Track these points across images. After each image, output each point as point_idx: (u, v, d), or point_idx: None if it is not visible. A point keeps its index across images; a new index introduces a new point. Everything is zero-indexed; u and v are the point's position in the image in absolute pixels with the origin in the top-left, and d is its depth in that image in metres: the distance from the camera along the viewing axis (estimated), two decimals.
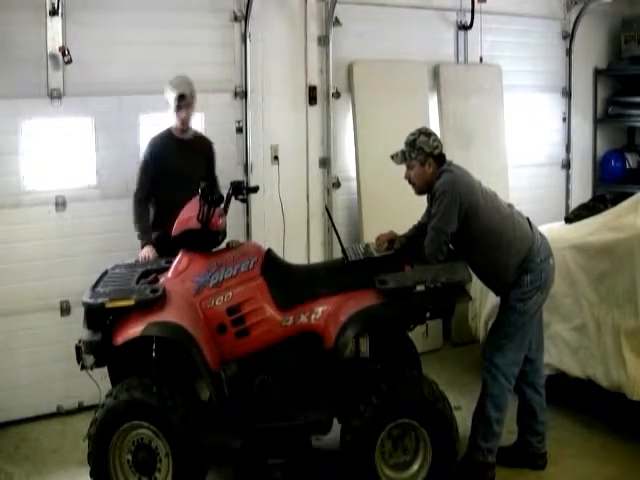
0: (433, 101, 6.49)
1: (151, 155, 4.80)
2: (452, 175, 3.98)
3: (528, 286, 4.04)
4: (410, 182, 4.12)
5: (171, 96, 4.69)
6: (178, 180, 4.60)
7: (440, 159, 4.06)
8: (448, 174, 3.99)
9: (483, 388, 4.18)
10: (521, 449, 4.36)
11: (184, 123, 4.78)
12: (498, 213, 4.07)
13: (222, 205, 4.07)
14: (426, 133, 4.08)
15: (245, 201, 4.57)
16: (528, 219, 4.23)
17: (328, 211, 4.01)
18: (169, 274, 4.04)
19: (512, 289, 4.08)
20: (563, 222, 5.45)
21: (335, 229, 4.18)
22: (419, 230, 4.25)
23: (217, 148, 5.56)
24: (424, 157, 4.02)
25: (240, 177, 5.50)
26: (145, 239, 4.72)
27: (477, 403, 4.21)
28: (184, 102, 4.70)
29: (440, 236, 3.92)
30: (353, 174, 6.08)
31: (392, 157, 4.11)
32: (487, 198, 4.07)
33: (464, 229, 3.97)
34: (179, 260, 4.05)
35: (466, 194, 3.95)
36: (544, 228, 5.35)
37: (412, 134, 4.08)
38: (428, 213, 4.18)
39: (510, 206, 4.21)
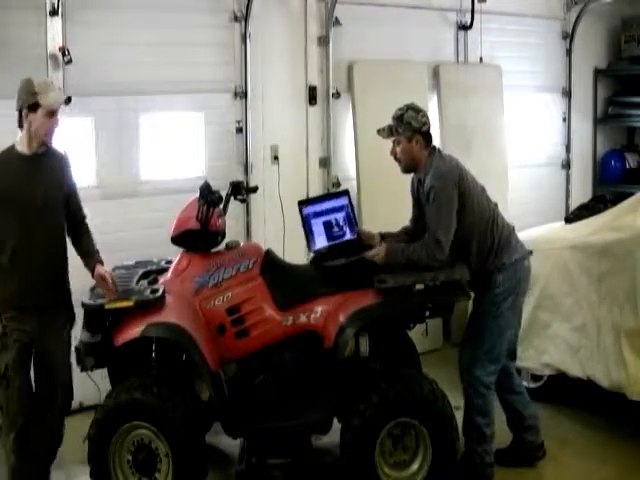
0: (433, 101, 6.48)
1: None
2: (441, 167, 3.89)
3: (500, 287, 3.99)
4: (396, 158, 4.02)
5: (49, 101, 3.62)
6: (23, 209, 3.65)
7: (428, 137, 3.98)
8: (436, 168, 3.89)
9: (466, 400, 4.15)
10: (518, 447, 4.36)
11: (50, 135, 3.73)
12: (484, 196, 4.04)
13: (221, 205, 4.07)
14: (415, 109, 3.98)
15: (244, 201, 4.55)
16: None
17: (300, 208, 3.98)
18: (168, 275, 4.04)
19: (485, 293, 4.03)
20: (563, 222, 5.45)
21: (305, 228, 4.11)
22: (407, 231, 4.20)
23: (217, 148, 5.57)
24: (411, 133, 3.93)
25: (240, 177, 5.49)
26: None
27: (464, 413, 4.18)
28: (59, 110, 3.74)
29: (446, 237, 3.81)
30: (353, 174, 6.08)
31: (378, 131, 4.01)
32: (474, 184, 4.02)
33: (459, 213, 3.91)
34: (179, 260, 4.05)
35: (458, 182, 3.87)
36: (544, 228, 5.38)
37: (400, 109, 3.98)
38: (414, 209, 4.14)
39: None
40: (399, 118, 3.95)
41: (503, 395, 4.30)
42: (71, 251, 4.09)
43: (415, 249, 3.84)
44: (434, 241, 3.81)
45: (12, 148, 3.73)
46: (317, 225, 4.10)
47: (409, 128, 3.93)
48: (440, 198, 3.84)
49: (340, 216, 4.15)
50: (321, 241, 4.11)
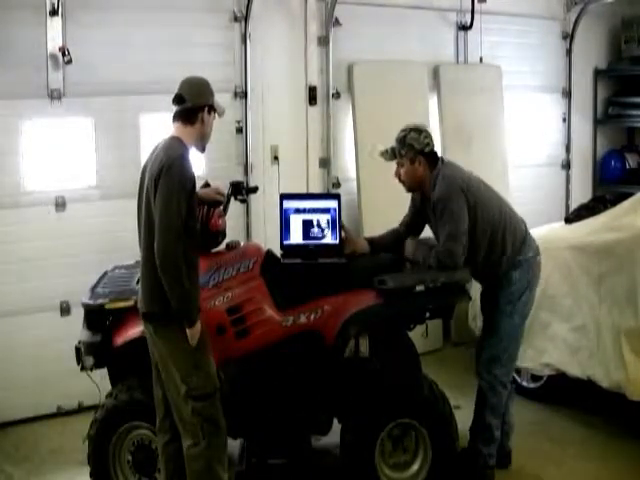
0: (433, 101, 6.49)
1: (193, 182, 3.46)
2: (444, 181, 3.88)
3: (516, 284, 4.01)
4: (400, 180, 4.04)
5: (221, 109, 3.68)
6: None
7: (431, 157, 3.98)
8: (443, 184, 3.87)
9: (481, 398, 4.15)
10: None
11: None
12: (496, 202, 4.04)
13: (221, 206, 4.07)
14: (417, 130, 3.97)
15: (245, 201, 4.55)
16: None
17: (281, 201, 4.03)
18: None
19: (500, 292, 4.04)
20: (563, 222, 5.45)
21: (281, 221, 4.10)
22: (395, 235, 4.19)
23: (217, 148, 5.57)
24: (414, 154, 3.93)
25: (240, 177, 5.50)
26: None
27: (475, 412, 4.19)
28: None
29: (457, 247, 3.80)
30: (353, 174, 6.08)
31: (381, 154, 4.03)
32: (483, 189, 4.01)
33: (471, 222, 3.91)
34: None
35: (466, 197, 3.87)
36: (544, 228, 5.37)
37: (402, 130, 3.98)
38: (410, 215, 4.15)
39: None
40: (401, 140, 3.95)
41: None
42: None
43: (430, 256, 3.86)
44: (446, 251, 3.81)
45: (183, 141, 3.52)
46: (295, 222, 4.09)
47: (411, 150, 3.93)
48: (446, 210, 3.84)
49: (324, 218, 4.12)
50: (295, 238, 4.10)
